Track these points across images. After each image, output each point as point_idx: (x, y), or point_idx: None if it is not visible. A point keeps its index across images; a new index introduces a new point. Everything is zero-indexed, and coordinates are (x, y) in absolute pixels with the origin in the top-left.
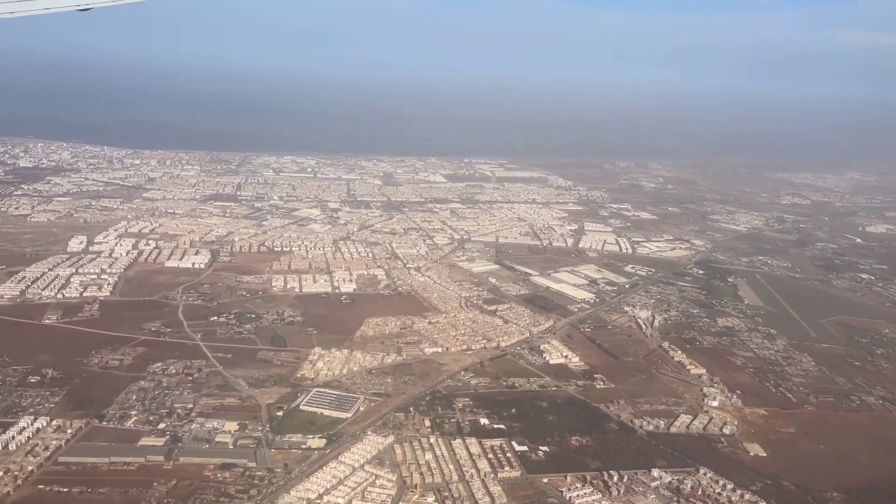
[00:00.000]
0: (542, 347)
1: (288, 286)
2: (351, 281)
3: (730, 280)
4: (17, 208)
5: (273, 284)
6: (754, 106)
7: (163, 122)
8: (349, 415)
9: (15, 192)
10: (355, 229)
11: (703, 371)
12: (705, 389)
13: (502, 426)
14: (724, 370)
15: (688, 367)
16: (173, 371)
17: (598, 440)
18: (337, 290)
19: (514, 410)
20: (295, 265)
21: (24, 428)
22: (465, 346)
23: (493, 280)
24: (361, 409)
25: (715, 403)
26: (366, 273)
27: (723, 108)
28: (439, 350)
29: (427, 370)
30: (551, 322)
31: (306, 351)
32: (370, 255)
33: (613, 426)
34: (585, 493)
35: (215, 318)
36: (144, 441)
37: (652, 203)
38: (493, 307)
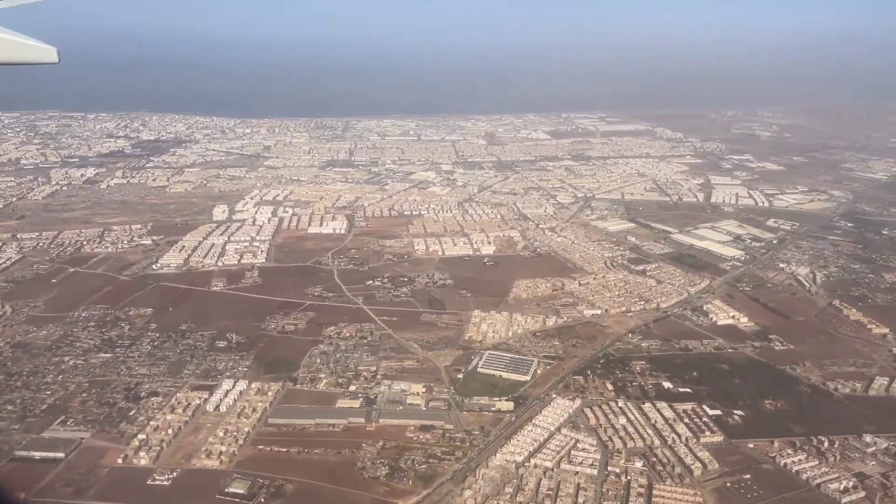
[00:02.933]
0: (704, 308)
1: (430, 249)
2: (489, 243)
3: (884, 232)
4: (154, 180)
5: (416, 248)
6: (865, 43)
7: (255, 90)
8: (528, 377)
9: (147, 165)
10: (475, 191)
11: (886, 330)
12: (895, 350)
13: (688, 389)
14: None
15: (868, 327)
16: (347, 334)
17: (793, 404)
18: (478, 253)
19: (695, 373)
20: (430, 228)
21: (227, 390)
22: (623, 308)
23: (632, 238)
24: (538, 371)
25: None
26: (501, 234)
27: (833, 47)
28: (598, 312)
29: (592, 332)
30: (706, 281)
31: (466, 313)
32: (498, 216)
33: (805, 389)
34: (800, 460)
35: (370, 281)
36: (341, 403)
37: (773, 153)
38: (640, 267)
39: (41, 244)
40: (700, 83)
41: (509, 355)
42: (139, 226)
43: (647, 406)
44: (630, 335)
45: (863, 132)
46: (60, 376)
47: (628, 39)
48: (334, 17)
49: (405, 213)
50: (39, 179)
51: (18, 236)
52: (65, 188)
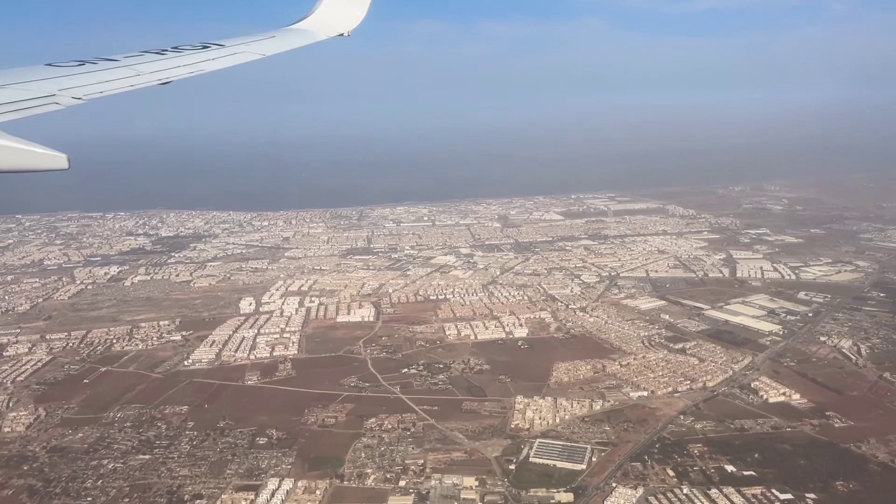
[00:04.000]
0: (752, 385)
1: (462, 334)
2: (521, 325)
3: None
4: (177, 275)
5: (447, 333)
6: (851, 117)
7: (272, 185)
8: (583, 466)
9: (169, 261)
10: (498, 273)
11: None
12: None
13: (753, 473)
14: None
15: None
16: (389, 426)
17: (867, 485)
18: (511, 336)
19: (757, 455)
20: (459, 313)
21: (274, 490)
22: (670, 389)
23: (666, 316)
24: (593, 459)
25: None
26: (532, 316)
27: (820, 122)
28: (645, 394)
29: (641, 416)
30: (748, 358)
31: (508, 400)
32: (525, 297)
33: (875, 468)
34: None
35: (405, 370)
36: (393, 500)
37: (789, 226)
38: (679, 345)
39: (70, 344)
40: (701, 161)
41: (561, 443)
42: (167, 322)
43: (713, 492)
44: (682, 417)
45: (873, 202)
46: (100, 481)
47: (627, 121)
48: (341, 112)
49: (431, 297)
50: (64, 279)
51: (47, 337)
52: (90, 287)
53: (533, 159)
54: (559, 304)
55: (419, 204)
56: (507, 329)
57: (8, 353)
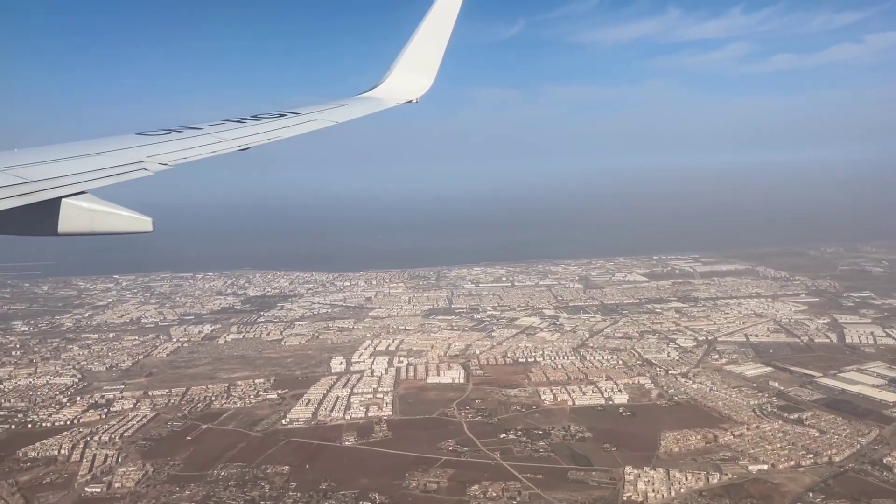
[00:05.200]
0: (884, 461)
1: (558, 399)
2: (620, 391)
3: None
4: (268, 334)
5: (542, 398)
6: None
7: (348, 246)
8: None
9: (259, 320)
10: (587, 335)
11: None
12: None
13: None
14: None
15: None
16: (493, 494)
17: None
18: (610, 402)
19: None
20: (552, 376)
21: None
22: (792, 462)
23: (775, 384)
24: None
25: None
26: (630, 382)
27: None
28: (765, 467)
29: (765, 491)
30: (875, 430)
31: (617, 470)
32: (619, 362)
33: None
34: None
35: (503, 434)
36: None
37: (895, 289)
38: (794, 415)
39: (172, 401)
40: (785, 221)
41: None
42: (262, 380)
43: None
44: (810, 494)
45: None
46: None
47: (699, 181)
48: (411, 174)
49: (520, 360)
50: (161, 337)
51: (150, 393)
52: (185, 345)
53: (607, 219)
54: (657, 369)
55: (496, 264)
56: (605, 395)
57: (115, 409)
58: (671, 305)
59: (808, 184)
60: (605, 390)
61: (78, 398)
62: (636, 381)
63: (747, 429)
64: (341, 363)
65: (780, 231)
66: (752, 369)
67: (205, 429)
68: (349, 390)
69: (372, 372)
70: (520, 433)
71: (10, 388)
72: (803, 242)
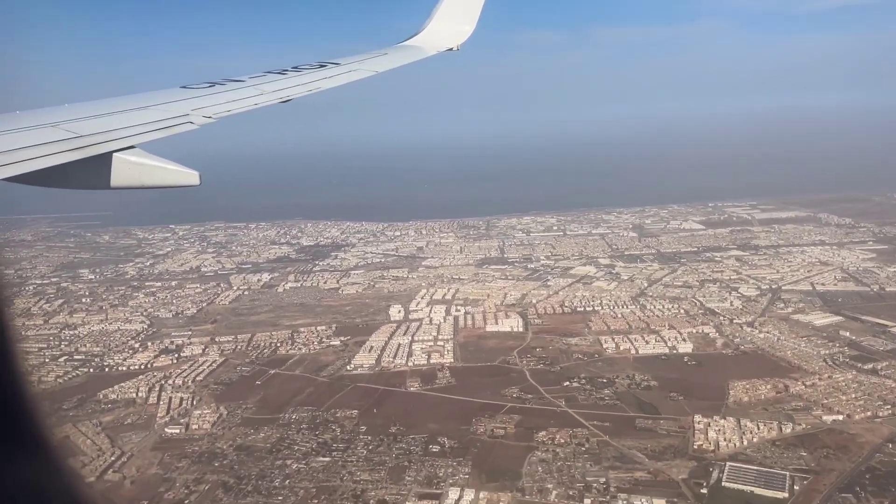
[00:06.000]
0: None
1: (620, 348)
2: (684, 340)
3: None
4: (325, 283)
5: (604, 346)
6: None
7: (396, 196)
8: (785, 494)
9: (314, 269)
10: (645, 284)
11: None
12: None
13: None
14: None
15: None
16: (561, 440)
17: None
18: (675, 351)
19: None
20: (613, 325)
21: (456, 500)
22: (868, 413)
23: (846, 333)
24: (795, 487)
25: None
26: (694, 331)
27: None
28: (840, 418)
29: (841, 442)
30: None
31: (685, 419)
32: (681, 311)
33: None
34: None
35: (567, 383)
36: None
37: None
38: (868, 365)
39: (239, 347)
40: (846, 166)
41: (755, 468)
42: (324, 327)
43: None
44: (890, 445)
45: None
46: (287, 481)
47: (756, 125)
48: (452, 123)
49: (577, 309)
50: (222, 285)
51: (217, 340)
52: (246, 293)
53: (659, 165)
54: (721, 318)
55: (545, 213)
56: (669, 344)
57: (185, 354)
58: (731, 254)
59: (869, 127)
60: (669, 339)
61: (149, 344)
62: (700, 330)
63: (819, 379)
64: (399, 311)
65: (842, 176)
66: (820, 318)
67: (273, 374)
68: (410, 338)
69: (430, 320)
70: (583, 381)
71: (85, 333)
72: (867, 188)
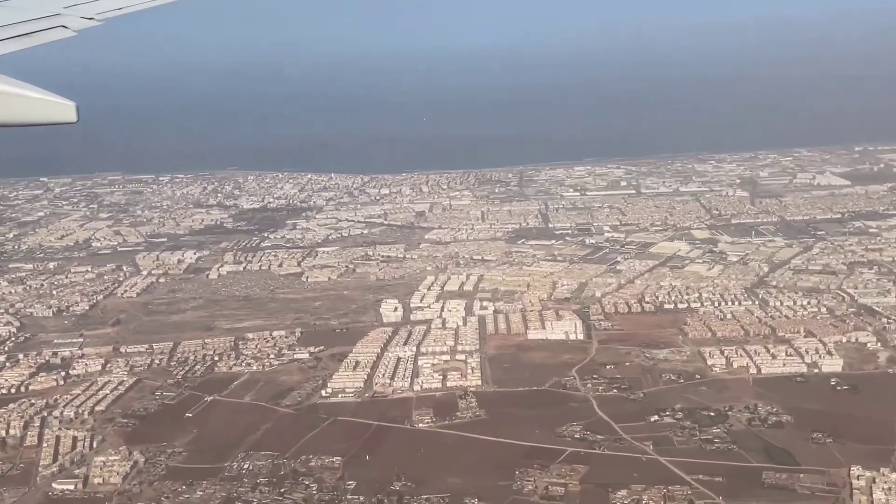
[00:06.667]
0: None
1: (734, 365)
2: (829, 354)
3: None
4: (280, 265)
5: (709, 363)
6: None
7: (379, 135)
8: None
9: (263, 245)
10: (765, 269)
11: None
12: None
13: None
14: None
15: None
16: (650, 501)
17: None
18: (816, 371)
19: None
20: (719, 331)
21: None
22: None
23: None
24: None
25: None
26: (843, 339)
27: None
28: None
29: None
30: None
31: (837, 472)
32: (822, 309)
33: None
34: None
35: (655, 417)
36: None
37: None
38: None
39: (157, 361)
40: None
41: None
42: (283, 332)
43: None
44: None
45: None
46: None
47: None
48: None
49: (665, 305)
50: (125, 269)
51: (123, 350)
52: (162, 280)
53: (776, 91)
54: (883, 319)
55: (607, 161)
56: (807, 359)
57: (76, 372)
58: (893, 223)
59: None
60: (807, 352)
61: (20, 356)
62: (853, 339)
63: None
64: (395, 309)
65: None
66: None
67: (209, 402)
68: (413, 349)
69: (444, 322)
70: (680, 415)
71: None
72: None
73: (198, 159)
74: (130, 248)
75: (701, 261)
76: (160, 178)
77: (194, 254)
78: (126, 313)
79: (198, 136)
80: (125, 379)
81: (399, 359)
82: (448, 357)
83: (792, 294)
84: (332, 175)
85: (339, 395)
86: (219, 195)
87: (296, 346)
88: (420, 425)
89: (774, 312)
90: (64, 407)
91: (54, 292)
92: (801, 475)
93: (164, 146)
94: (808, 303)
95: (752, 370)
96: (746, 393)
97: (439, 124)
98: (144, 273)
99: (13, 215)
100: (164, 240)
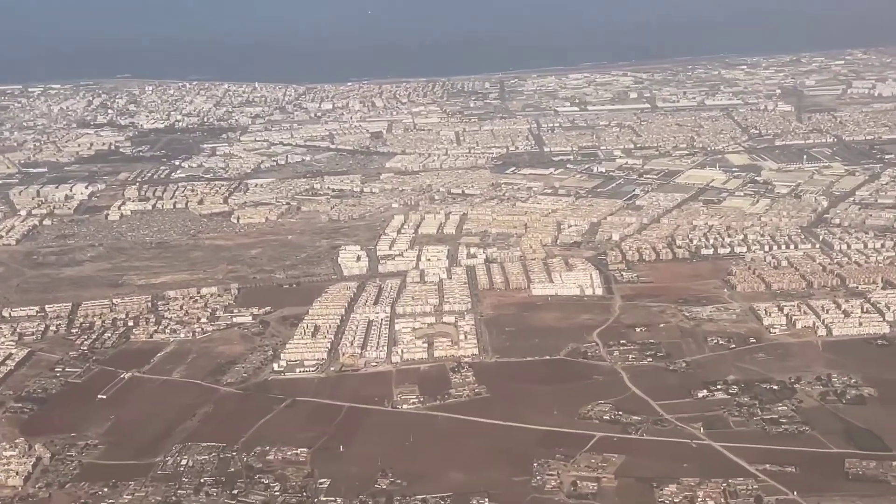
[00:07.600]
0: None
1: (797, 325)
2: None
3: None
4: (200, 202)
5: (765, 322)
6: None
7: (310, 31)
8: None
9: (175, 175)
10: (823, 202)
11: None
12: None
13: None
14: None
15: None
16: (706, 499)
17: None
18: None
19: None
20: (774, 281)
21: None
22: None
23: None
24: None
25: None
26: None
27: None
28: None
29: None
30: None
31: None
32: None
33: None
34: None
35: (704, 393)
36: None
37: None
38: None
39: (54, 327)
40: None
41: None
42: (214, 289)
43: None
44: None
45: None
46: None
47: None
48: None
49: (702, 251)
50: None
51: (6, 314)
52: (46, 223)
53: None
54: None
55: (610, 67)
56: (888, 316)
57: None
58: None
59: None
60: (888, 307)
61: None
62: None
63: None
64: (358, 259)
65: None
66: None
67: (127, 379)
68: (387, 310)
69: (422, 275)
70: (734, 389)
71: None
72: None
73: (78, 64)
74: (1, 182)
75: (742, 193)
76: (30, 90)
77: (86, 188)
78: (4, 266)
79: (76, 34)
80: (13, 351)
81: (370, 322)
82: (433, 320)
83: (861, 234)
84: (257, 85)
85: (297, 370)
86: (109, 111)
87: (233, 307)
88: (404, 406)
89: (842, 258)
90: None
91: None
92: (895, 462)
93: (33, 47)
94: (883, 245)
95: (821, 331)
96: (816, 360)
97: (392, 14)
98: (23, 213)
99: None
100: (44, 170)
